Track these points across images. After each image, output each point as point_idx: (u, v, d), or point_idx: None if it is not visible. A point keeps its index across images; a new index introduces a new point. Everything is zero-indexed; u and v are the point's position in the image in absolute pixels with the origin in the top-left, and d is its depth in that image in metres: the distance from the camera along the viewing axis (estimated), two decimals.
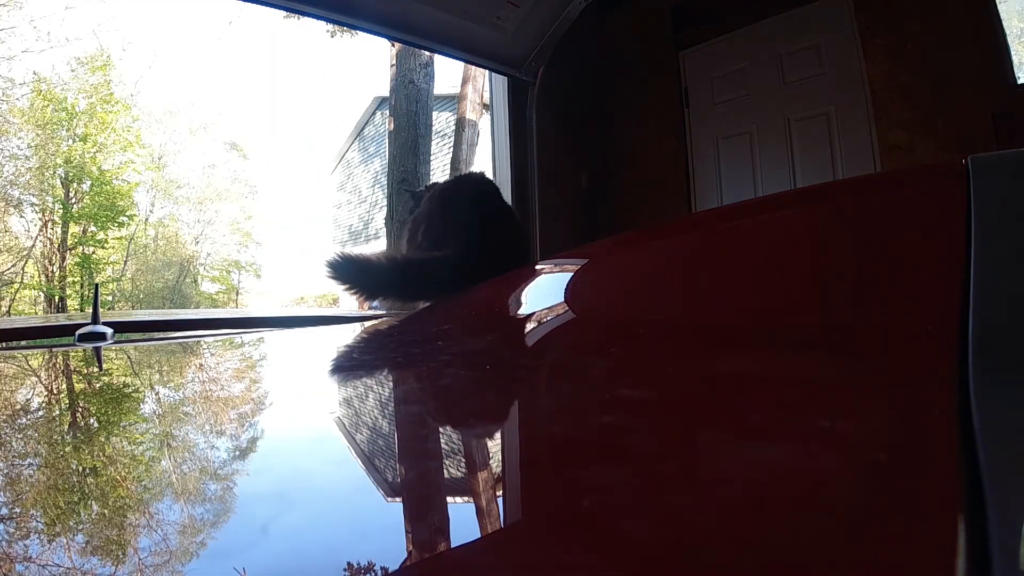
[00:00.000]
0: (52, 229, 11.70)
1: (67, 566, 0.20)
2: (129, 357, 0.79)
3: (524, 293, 0.68)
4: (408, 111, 5.01)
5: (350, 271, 0.98)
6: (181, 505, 0.26)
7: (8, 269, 10.96)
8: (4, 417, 0.44)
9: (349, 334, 0.99)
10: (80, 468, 0.32)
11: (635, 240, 0.68)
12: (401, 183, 4.78)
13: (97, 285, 1.24)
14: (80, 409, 0.49)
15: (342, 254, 1.01)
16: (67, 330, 1.04)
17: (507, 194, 2.44)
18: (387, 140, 5.86)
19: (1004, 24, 2.17)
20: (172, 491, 0.28)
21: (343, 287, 1.00)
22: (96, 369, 0.71)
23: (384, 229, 5.88)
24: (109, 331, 0.91)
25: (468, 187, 1.08)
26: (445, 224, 0.98)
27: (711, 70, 3.05)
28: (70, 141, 11.66)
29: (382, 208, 8.45)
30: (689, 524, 0.20)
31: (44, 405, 0.51)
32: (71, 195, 11.77)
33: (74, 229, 11.91)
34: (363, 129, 12.74)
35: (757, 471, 0.22)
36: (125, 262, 12.97)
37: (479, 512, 0.25)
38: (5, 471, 0.32)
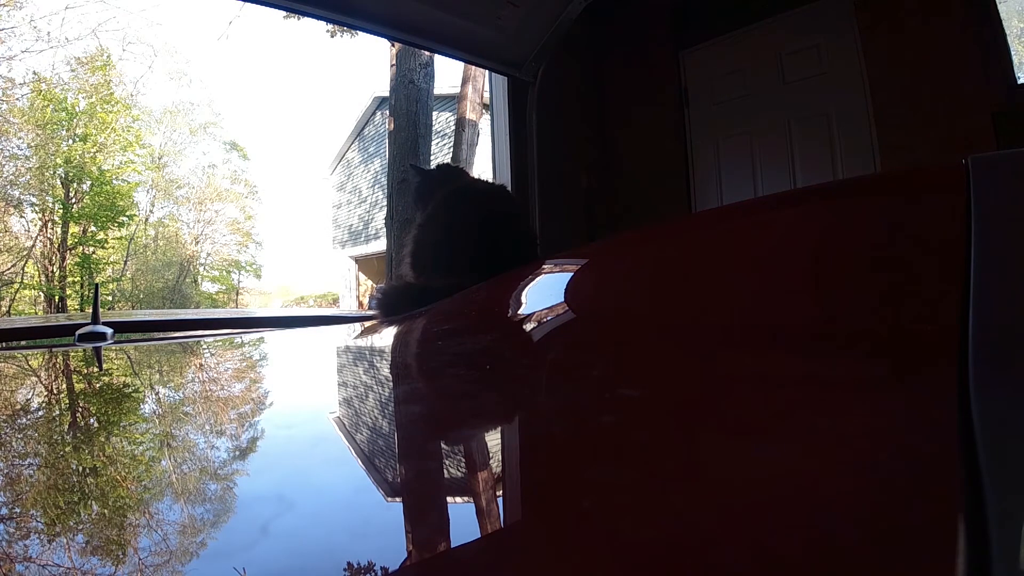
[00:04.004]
0: (52, 229, 11.70)
1: (67, 566, 0.20)
2: (129, 357, 0.79)
3: (524, 293, 0.68)
4: (408, 111, 5.01)
5: (393, 305, 1.00)
6: (181, 505, 0.26)
7: (8, 269, 10.96)
8: (4, 417, 0.44)
9: (349, 334, 0.99)
10: (80, 468, 0.32)
11: (635, 240, 0.68)
12: (401, 183, 4.78)
13: (97, 285, 1.24)
14: (80, 409, 0.49)
15: (391, 289, 1.05)
16: (67, 330, 1.04)
17: None
18: (387, 140, 5.86)
19: (1004, 24, 2.17)
20: (172, 491, 0.28)
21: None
22: (96, 369, 0.71)
23: (384, 229, 5.88)
24: (109, 331, 0.91)
25: (498, 213, 1.03)
26: (468, 254, 0.97)
27: (711, 70, 3.05)
28: (70, 141, 11.67)
29: (382, 208, 8.45)
30: (689, 524, 0.20)
31: (44, 405, 0.51)
32: (71, 195, 11.77)
33: (74, 229, 11.92)
34: (363, 129, 12.75)
35: (756, 471, 0.22)
36: (125, 262, 12.98)
37: (479, 512, 0.25)
38: (5, 471, 0.32)
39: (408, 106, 5.02)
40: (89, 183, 11.90)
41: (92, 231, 12.14)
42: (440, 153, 8.75)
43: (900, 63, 2.33)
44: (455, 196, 1.06)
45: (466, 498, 0.27)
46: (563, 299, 0.57)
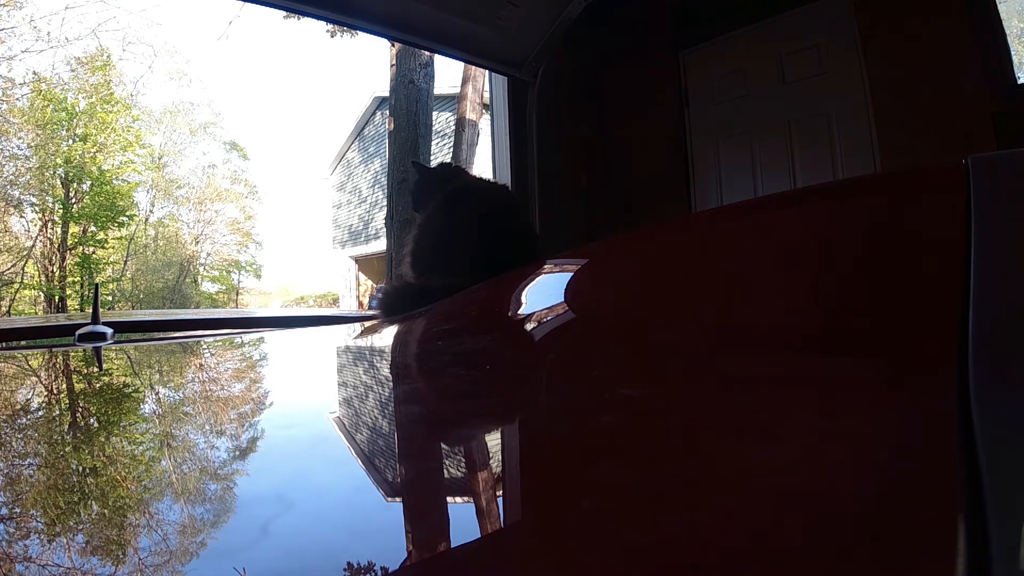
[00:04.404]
0: (52, 229, 11.70)
1: (67, 566, 0.20)
2: (129, 357, 0.79)
3: (524, 293, 0.68)
4: (408, 111, 5.01)
5: (394, 305, 0.99)
6: (181, 505, 0.26)
7: (8, 269, 10.96)
8: (4, 417, 0.44)
9: (349, 334, 0.99)
10: (80, 468, 0.32)
11: (636, 240, 0.68)
12: (401, 183, 4.78)
13: (97, 285, 1.24)
14: (80, 409, 0.49)
15: (392, 289, 1.05)
16: (67, 330, 1.04)
17: None
18: (387, 140, 5.86)
19: (1004, 24, 2.17)
20: (172, 491, 0.28)
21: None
22: (96, 369, 0.71)
23: (384, 229, 5.88)
24: (109, 331, 0.91)
25: (497, 215, 1.02)
26: (468, 254, 0.96)
27: (711, 70, 3.04)
28: (70, 141, 11.66)
29: (382, 208, 8.45)
30: (689, 524, 0.20)
31: (44, 405, 0.51)
32: (71, 195, 11.77)
33: (74, 229, 11.91)
34: (363, 129, 12.74)
35: (756, 471, 0.22)
36: (125, 262, 12.98)
37: (479, 512, 0.25)
38: (5, 471, 0.32)
39: (408, 106, 5.02)
40: (89, 183, 11.89)
41: (92, 231, 12.14)
42: (440, 153, 8.75)
43: (900, 63, 2.33)
44: (456, 196, 1.06)
45: (466, 498, 0.27)
46: (563, 299, 0.57)
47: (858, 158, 2.48)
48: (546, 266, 0.72)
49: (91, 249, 12.08)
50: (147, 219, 13.95)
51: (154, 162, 13.79)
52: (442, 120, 9.53)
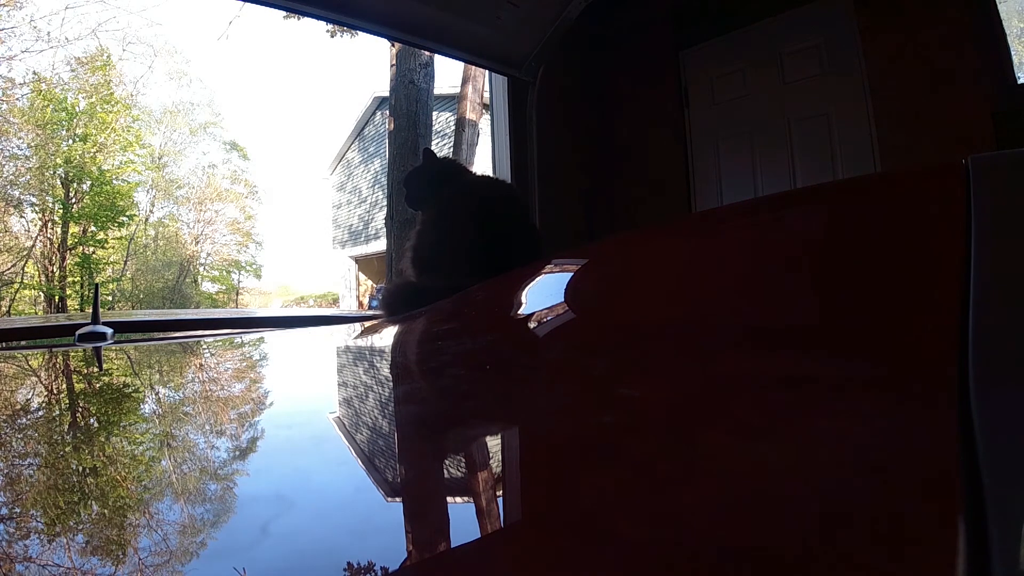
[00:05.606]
0: (52, 229, 11.70)
1: (67, 566, 0.20)
2: (129, 357, 0.79)
3: (524, 293, 0.68)
4: (408, 111, 5.01)
5: (397, 305, 0.99)
6: (181, 505, 0.26)
7: (8, 269, 10.96)
8: (4, 417, 0.44)
9: (349, 334, 0.99)
10: (80, 468, 0.32)
11: (636, 240, 0.68)
12: (401, 183, 4.78)
13: (97, 285, 1.24)
14: (80, 409, 0.49)
15: (394, 288, 1.04)
16: (67, 330, 1.04)
17: None
18: (387, 140, 5.87)
19: (1004, 24, 2.17)
20: (172, 491, 0.28)
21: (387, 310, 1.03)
22: (96, 369, 0.71)
23: (384, 229, 5.88)
24: (109, 331, 0.91)
25: (501, 213, 1.01)
26: (471, 253, 0.95)
27: (711, 70, 3.05)
28: (70, 141, 11.67)
29: (382, 208, 8.46)
30: (689, 525, 0.20)
31: (44, 405, 0.51)
32: (71, 195, 11.77)
33: (74, 229, 11.92)
34: (363, 129, 12.75)
35: (756, 472, 0.22)
36: (125, 262, 12.99)
37: (479, 512, 0.25)
38: (5, 471, 0.32)
39: (408, 106, 5.02)
40: (89, 183, 11.90)
41: (92, 231, 12.15)
42: (440, 153, 8.73)
43: (900, 63, 2.33)
44: (461, 193, 1.05)
45: (466, 498, 0.27)
46: (564, 299, 0.57)
47: (858, 158, 2.48)
48: (548, 266, 0.72)
49: (91, 249, 12.09)
50: (147, 219, 13.96)
51: (154, 162, 13.81)
52: (442, 120, 9.54)
